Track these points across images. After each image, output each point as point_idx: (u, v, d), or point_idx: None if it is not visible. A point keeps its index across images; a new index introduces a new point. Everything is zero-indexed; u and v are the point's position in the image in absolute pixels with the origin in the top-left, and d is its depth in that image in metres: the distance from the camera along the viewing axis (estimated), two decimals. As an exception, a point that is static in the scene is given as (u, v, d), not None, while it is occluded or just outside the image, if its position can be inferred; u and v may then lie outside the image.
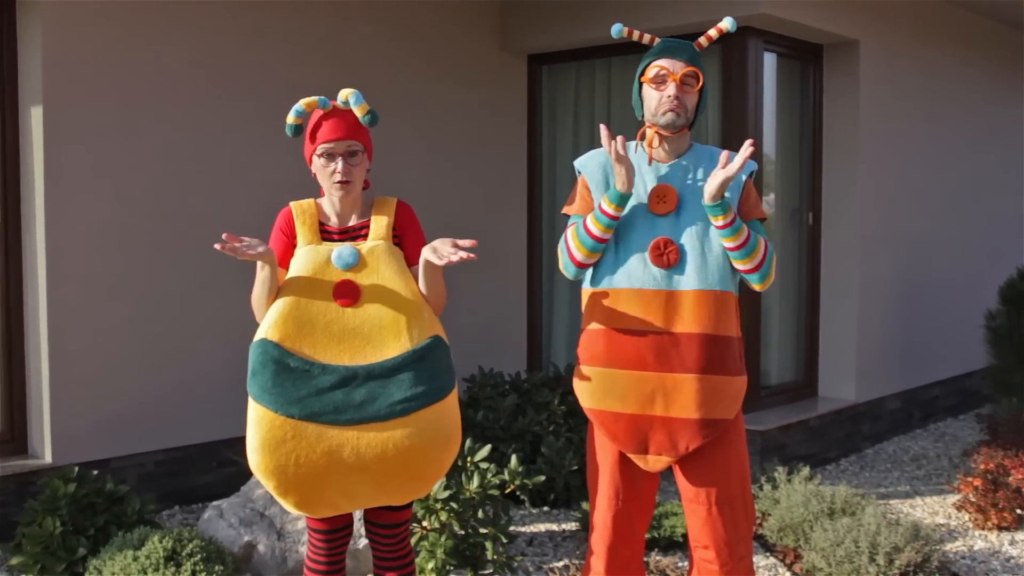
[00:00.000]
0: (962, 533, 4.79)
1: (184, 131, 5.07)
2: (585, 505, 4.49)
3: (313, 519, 2.80)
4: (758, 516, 4.65)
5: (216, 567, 3.66)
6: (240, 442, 4.95)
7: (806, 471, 4.79)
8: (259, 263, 2.66)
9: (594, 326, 2.80)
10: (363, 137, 2.72)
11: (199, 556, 3.66)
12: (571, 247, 2.78)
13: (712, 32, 2.84)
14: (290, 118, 2.70)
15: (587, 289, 2.88)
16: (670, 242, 2.75)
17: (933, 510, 5.18)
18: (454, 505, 3.87)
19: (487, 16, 6.43)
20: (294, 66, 5.47)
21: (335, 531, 2.82)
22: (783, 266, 6.34)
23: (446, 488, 3.86)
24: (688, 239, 2.76)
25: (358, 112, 2.68)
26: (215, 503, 4.23)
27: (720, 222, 2.71)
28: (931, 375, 7.23)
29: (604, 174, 2.85)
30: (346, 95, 2.68)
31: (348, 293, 2.64)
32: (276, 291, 2.67)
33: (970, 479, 4.94)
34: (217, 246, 2.54)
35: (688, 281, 2.74)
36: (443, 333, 2.73)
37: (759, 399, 5.95)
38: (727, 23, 2.84)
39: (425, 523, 3.91)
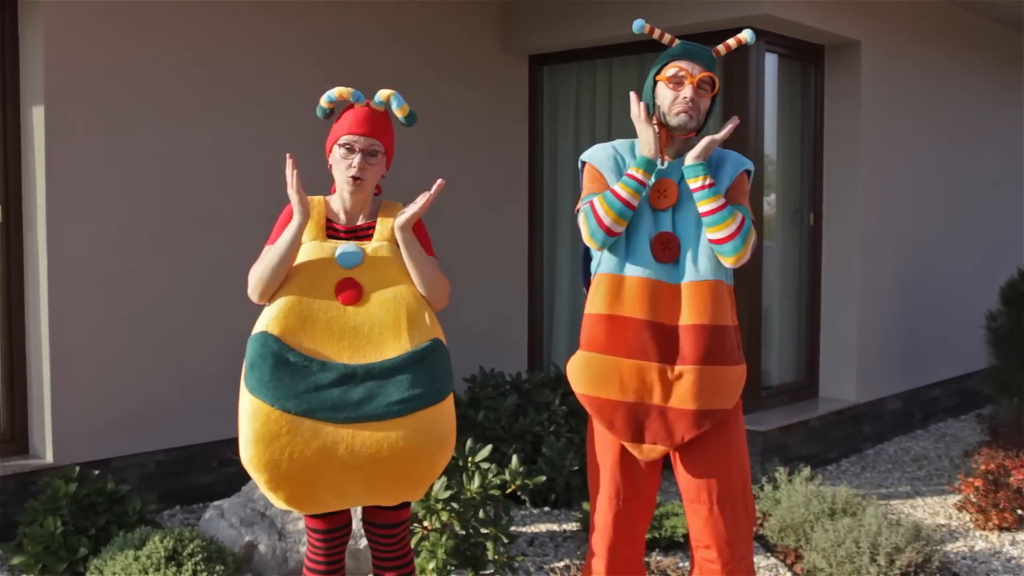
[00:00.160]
0: (963, 533, 4.79)
1: (185, 130, 5.07)
2: (586, 505, 4.49)
3: (312, 519, 2.81)
4: (759, 516, 4.65)
5: (217, 567, 3.66)
6: (241, 442, 4.95)
7: (807, 471, 4.79)
8: (293, 224, 2.65)
9: (596, 311, 2.80)
10: (387, 140, 2.74)
11: (200, 556, 3.66)
12: (599, 212, 2.74)
13: (731, 42, 2.88)
14: (322, 101, 2.73)
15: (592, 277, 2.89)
16: (672, 236, 2.78)
17: (934, 510, 5.18)
18: (455, 505, 3.87)
19: (488, 16, 6.43)
20: (295, 66, 5.47)
21: (334, 531, 2.83)
22: (784, 266, 6.34)
23: (447, 488, 3.86)
24: (685, 233, 2.79)
25: (399, 113, 2.72)
26: (216, 503, 4.23)
27: (697, 183, 2.75)
28: (932, 376, 7.23)
29: (615, 162, 2.87)
30: (386, 95, 2.71)
31: (350, 291, 2.64)
32: (289, 267, 2.65)
33: (971, 479, 4.94)
34: (289, 162, 2.62)
35: (685, 273, 2.77)
36: (443, 337, 2.73)
37: (760, 399, 5.95)
38: (747, 35, 2.87)
39: (426, 523, 3.91)
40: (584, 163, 2.93)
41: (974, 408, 7.73)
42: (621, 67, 6.43)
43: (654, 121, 2.82)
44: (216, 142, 5.19)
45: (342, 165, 2.71)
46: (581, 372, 2.83)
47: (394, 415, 2.57)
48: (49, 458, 4.66)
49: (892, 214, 6.64)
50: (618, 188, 2.75)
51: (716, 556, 2.83)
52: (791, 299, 6.41)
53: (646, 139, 2.80)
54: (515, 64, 6.62)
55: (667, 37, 2.85)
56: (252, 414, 2.55)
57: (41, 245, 4.63)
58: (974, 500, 4.90)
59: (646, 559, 4.24)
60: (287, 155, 2.68)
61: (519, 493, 4.82)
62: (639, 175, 2.76)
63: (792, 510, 4.38)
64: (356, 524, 3.93)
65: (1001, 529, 4.81)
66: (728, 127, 2.83)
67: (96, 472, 4.40)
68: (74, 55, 4.66)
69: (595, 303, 2.81)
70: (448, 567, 3.88)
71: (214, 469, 5.18)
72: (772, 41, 5.89)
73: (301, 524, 4.03)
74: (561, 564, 4.31)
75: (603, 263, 2.82)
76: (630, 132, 3.19)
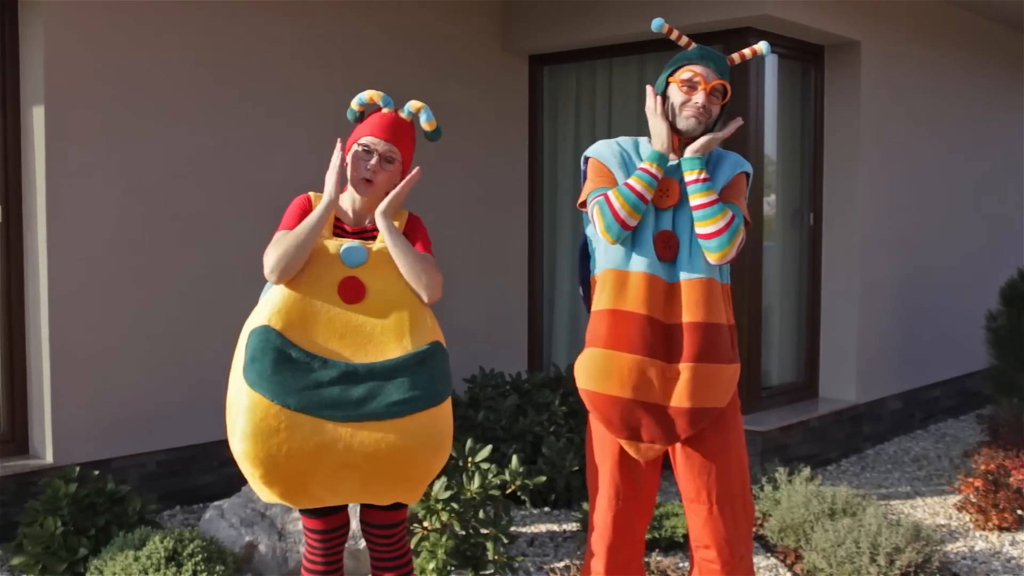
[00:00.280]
0: (963, 534, 4.79)
1: (186, 131, 5.07)
2: (586, 505, 4.49)
3: (309, 519, 2.81)
4: (759, 517, 4.65)
5: (217, 567, 3.66)
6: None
7: (807, 472, 4.79)
8: (322, 204, 2.67)
9: (601, 307, 2.81)
10: (406, 150, 2.75)
11: (200, 556, 3.66)
12: (615, 205, 2.74)
13: (747, 52, 2.90)
14: (353, 103, 2.76)
15: (595, 276, 2.89)
16: (672, 235, 2.79)
17: (934, 511, 5.18)
18: (455, 505, 3.87)
19: (488, 16, 6.43)
20: (295, 66, 5.47)
21: (331, 531, 2.83)
22: (784, 267, 6.34)
23: (447, 488, 3.86)
24: (684, 232, 2.80)
25: (426, 127, 2.75)
26: (216, 503, 4.23)
27: (693, 176, 2.77)
28: (932, 376, 7.23)
29: (621, 157, 2.87)
30: (417, 107, 2.74)
31: (353, 290, 2.64)
32: (312, 247, 2.65)
33: (971, 480, 4.94)
34: (339, 146, 2.68)
35: (680, 271, 2.79)
36: (443, 340, 2.73)
37: (760, 400, 5.95)
38: (763, 47, 2.89)
39: (426, 523, 3.91)
40: (587, 158, 2.93)
41: (974, 408, 7.73)
42: (621, 67, 6.43)
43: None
44: (216, 142, 5.19)
45: (358, 165, 2.71)
46: (585, 368, 2.84)
47: (393, 415, 2.57)
48: (49, 458, 4.66)
49: (892, 214, 6.64)
50: (632, 181, 2.76)
51: (715, 556, 2.83)
52: (791, 299, 6.41)
53: (659, 133, 2.81)
54: (515, 64, 6.62)
55: (684, 39, 2.85)
56: (251, 408, 2.53)
57: (41, 245, 4.63)
58: (974, 500, 4.90)
59: (646, 559, 4.24)
60: (338, 140, 2.73)
61: (519, 493, 4.82)
62: (652, 169, 2.77)
63: (792, 510, 4.38)
64: (356, 524, 3.93)
65: (1001, 529, 4.81)
66: (732, 126, 2.85)
67: (96, 472, 4.40)
68: (74, 55, 4.66)
69: (601, 299, 2.81)
70: (448, 567, 3.88)
71: (214, 469, 5.18)
72: (772, 41, 5.88)
73: (301, 524, 4.03)
74: (561, 564, 4.31)
75: (608, 259, 2.82)
76: (630, 132, 3.19)
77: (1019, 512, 4.87)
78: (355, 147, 2.73)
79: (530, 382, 5.66)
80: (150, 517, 4.30)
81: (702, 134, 2.82)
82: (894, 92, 6.60)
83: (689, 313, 2.76)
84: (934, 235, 7.17)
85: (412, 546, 3.87)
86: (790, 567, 4.29)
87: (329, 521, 2.81)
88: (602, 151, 2.90)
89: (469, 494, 3.93)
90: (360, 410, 2.55)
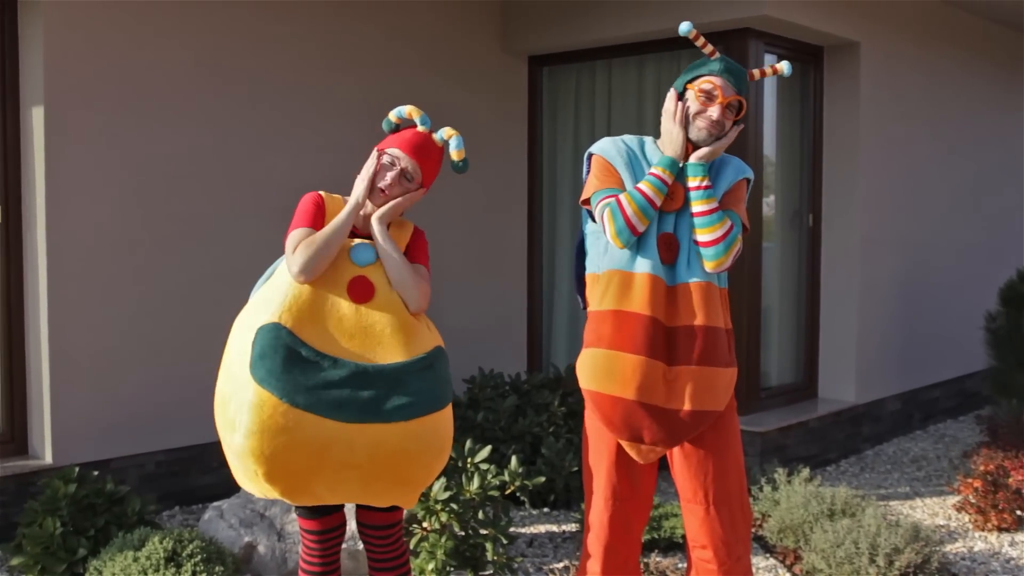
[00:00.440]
0: (962, 534, 4.79)
1: (185, 131, 5.07)
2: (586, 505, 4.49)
3: (306, 520, 2.81)
4: (758, 517, 4.65)
5: (216, 568, 3.66)
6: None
7: (806, 472, 4.79)
8: (350, 205, 2.68)
9: (605, 307, 2.80)
10: (428, 171, 2.78)
11: (199, 557, 3.66)
12: (627, 211, 2.73)
13: (768, 69, 2.92)
14: (392, 115, 2.79)
15: (594, 274, 2.88)
16: (673, 238, 2.79)
17: (933, 511, 5.18)
18: (454, 506, 3.87)
19: (488, 17, 6.43)
20: (294, 66, 5.47)
21: (328, 531, 2.83)
22: (783, 267, 6.34)
23: (446, 489, 3.86)
24: (684, 235, 2.81)
25: (454, 156, 2.77)
26: (215, 504, 4.23)
27: (695, 183, 2.78)
28: (931, 376, 7.23)
29: (627, 157, 2.87)
30: (450, 135, 2.77)
31: (363, 290, 2.64)
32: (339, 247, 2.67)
33: (970, 480, 4.95)
34: (375, 155, 2.71)
35: (682, 274, 2.79)
36: (443, 344, 2.75)
37: (759, 400, 5.95)
38: (784, 67, 2.91)
39: (425, 524, 3.91)
40: (591, 155, 2.93)
41: (973, 409, 7.73)
42: (621, 68, 6.43)
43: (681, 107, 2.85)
44: (216, 142, 5.19)
45: (378, 174, 2.73)
46: (588, 367, 2.84)
47: (400, 418, 2.57)
48: (48, 459, 4.66)
49: (891, 215, 6.64)
50: (643, 186, 2.76)
51: (712, 556, 2.83)
52: (790, 300, 6.41)
53: (673, 139, 2.82)
54: (515, 65, 6.62)
55: (708, 47, 2.85)
56: (258, 405, 2.51)
57: (41, 245, 4.63)
58: (973, 501, 4.90)
59: (646, 560, 4.24)
60: (375, 149, 2.75)
61: (518, 494, 4.81)
62: (664, 175, 2.77)
63: (791, 511, 4.38)
64: (354, 525, 3.93)
65: (1000, 530, 4.81)
66: (732, 133, 2.85)
67: (95, 473, 4.40)
68: (74, 55, 4.66)
69: (605, 299, 2.80)
70: (447, 568, 3.88)
71: (213, 470, 5.18)
72: (772, 42, 5.89)
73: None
74: (560, 565, 4.31)
75: (611, 260, 2.82)
76: (629, 133, 3.19)
77: (1018, 513, 4.87)
78: (382, 155, 2.74)
79: (529, 383, 5.66)
80: (149, 518, 4.30)
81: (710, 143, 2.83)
82: (893, 93, 6.60)
83: (689, 316, 2.77)
84: (933, 235, 7.18)
85: (411, 547, 3.88)
86: (789, 568, 4.29)
87: (325, 522, 2.82)
88: (608, 149, 2.89)
89: (468, 495, 3.93)
90: (367, 411, 2.55)
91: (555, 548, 4.56)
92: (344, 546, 3.87)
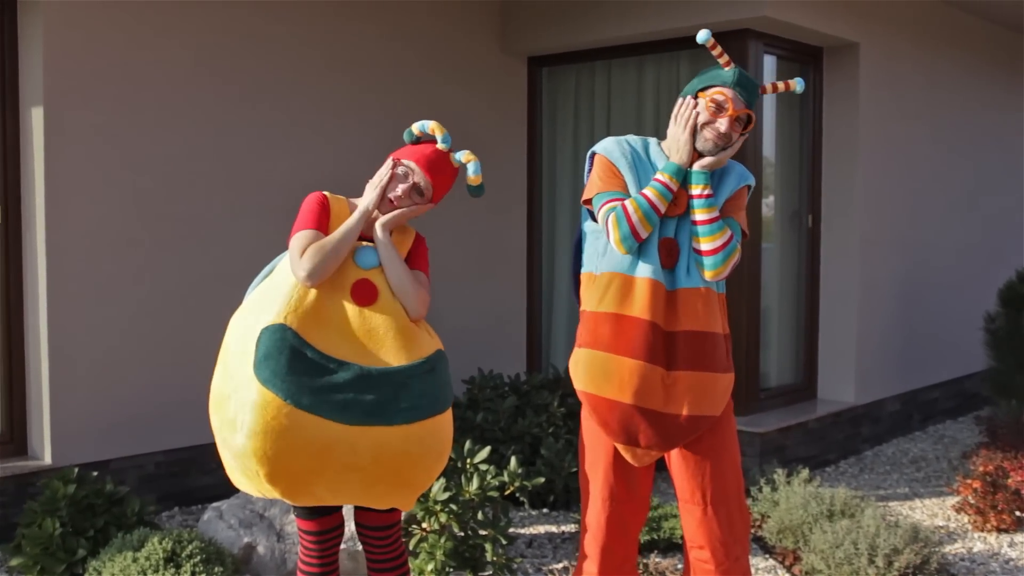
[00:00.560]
0: (961, 535, 4.79)
1: (185, 131, 5.07)
2: (584, 507, 4.50)
3: (304, 521, 2.81)
4: (757, 518, 4.65)
5: (216, 568, 3.66)
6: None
7: (805, 473, 4.79)
8: (359, 212, 2.69)
9: (605, 309, 2.80)
10: (439, 188, 2.79)
11: (199, 557, 3.66)
12: (633, 218, 2.73)
13: (780, 84, 2.92)
14: (415, 128, 2.80)
15: (591, 273, 2.88)
16: (674, 243, 2.79)
17: (932, 512, 5.18)
18: (453, 507, 3.87)
19: (487, 18, 6.43)
20: (295, 67, 5.47)
21: (326, 532, 2.83)
22: (783, 268, 6.35)
23: (446, 490, 3.86)
24: (685, 240, 2.81)
25: (471, 181, 2.80)
26: (215, 504, 4.23)
27: (698, 191, 2.78)
28: (930, 377, 7.23)
29: (631, 159, 2.86)
30: (469, 158, 2.79)
31: (366, 292, 2.65)
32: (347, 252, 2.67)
33: (969, 481, 4.95)
34: (390, 163, 2.71)
35: (682, 279, 2.80)
36: (443, 348, 2.76)
37: (758, 401, 5.95)
38: (797, 84, 2.92)
39: (425, 525, 3.91)
40: (594, 154, 2.92)
41: (972, 410, 7.73)
42: (620, 69, 6.43)
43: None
44: (216, 142, 5.19)
45: (390, 183, 2.74)
46: (583, 369, 2.83)
47: (402, 421, 2.57)
48: (48, 459, 4.66)
49: (891, 216, 6.64)
50: (648, 192, 2.76)
51: (710, 556, 2.84)
52: (790, 301, 6.41)
53: (680, 146, 2.80)
54: (514, 66, 6.62)
55: (724, 58, 2.84)
56: (262, 406, 2.51)
57: (40, 246, 4.63)
58: (972, 502, 4.90)
59: (645, 561, 4.24)
60: (389, 156, 2.76)
61: (518, 495, 4.81)
62: (670, 182, 2.77)
63: (790, 512, 4.39)
64: (353, 526, 3.93)
65: (999, 531, 4.81)
66: (736, 144, 2.85)
67: (95, 473, 4.40)
68: (73, 55, 4.66)
69: (604, 301, 2.80)
70: (447, 568, 3.88)
71: (213, 470, 5.18)
72: (771, 43, 5.89)
73: (300, 525, 4.03)
74: (560, 566, 4.31)
75: (612, 262, 2.81)
76: (629, 133, 3.18)
77: (1017, 514, 4.87)
78: (397, 165, 2.74)
79: (529, 383, 5.66)
80: (149, 518, 4.30)
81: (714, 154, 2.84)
82: (893, 94, 6.61)
83: (688, 321, 2.77)
84: (933, 236, 7.18)
85: (411, 547, 3.88)
86: (788, 568, 4.30)
87: (324, 523, 2.82)
88: (612, 150, 2.88)
89: (468, 495, 3.93)
90: (371, 414, 2.55)
91: (554, 549, 4.56)
92: (343, 547, 3.87)
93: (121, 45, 4.83)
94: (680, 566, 4.24)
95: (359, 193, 2.82)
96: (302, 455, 2.53)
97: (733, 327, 4.60)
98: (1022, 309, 6.24)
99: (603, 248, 2.84)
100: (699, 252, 2.77)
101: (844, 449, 6.30)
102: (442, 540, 3.87)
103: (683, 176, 2.79)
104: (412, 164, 2.74)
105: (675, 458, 2.88)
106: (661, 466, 3.02)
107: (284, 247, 2.85)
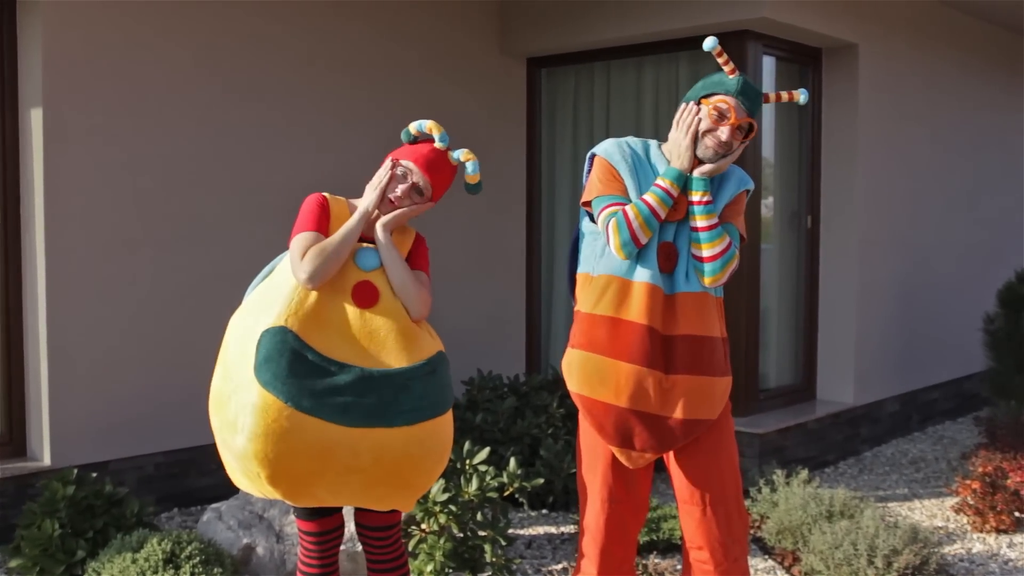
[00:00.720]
0: (960, 536, 4.79)
1: (184, 132, 5.07)
2: (584, 508, 4.50)
3: (304, 522, 2.81)
4: (756, 519, 4.66)
5: (215, 569, 3.66)
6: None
7: (804, 474, 4.79)
8: (359, 213, 2.68)
9: (601, 311, 2.80)
10: (438, 188, 2.79)
11: (198, 558, 3.66)
12: (634, 225, 2.73)
13: (784, 94, 2.91)
14: (412, 128, 2.80)
15: (587, 274, 2.88)
16: (673, 247, 2.80)
17: (931, 513, 5.18)
18: (453, 507, 3.87)
19: (486, 19, 6.43)
20: (294, 68, 5.47)
21: (326, 533, 2.83)
22: (782, 269, 6.35)
23: (445, 491, 3.86)
24: (684, 245, 2.82)
25: (468, 179, 2.79)
26: (214, 505, 4.23)
27: (697, 197, 2.79)
28: (930, 378, 7.23)
29: (631, 162, 2.86)
30: (468, 156, 2.79)
31: (367, 294, 2.64)
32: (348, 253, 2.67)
33: (968, 482, 4.95)
34: (389, 164, 2.71)
35: (680, 284, 2.80)
36: (444, 349, 2.76)
37: (757, 402, 5.95)
38: (802, 96, 2.90)
39: (424, 526, 3.91)
40: (594, 156, 2.92)
41: (972, 410, 7.73)
42: (619, 70, 6.43)
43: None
44: (215, 143, 5.19)
45: (389, 184, 2.73)
46: (579, 371, 2.84)
47: (403, 423, 2.57)
48: (47, 460, 4.65)
49: (890, 217, 6.64)
50: (648, 198, 2.76)
51: (709, 557, 2.84)
52: (789, 301, 6.41)
53: (681, 152, 2.80)
54: (513, 67, 6.62)
55: (730, 65, 2.83)
56: (263, 408, 2.51)
57: (39, 247, 4.63)
58: (971, 502, 4.90)
59: (644, 561, 4.24)
60: (388, 157, 2.76)
61: (517, 495, 4.82)
62: (671, 188, 2.77)
63: (790, 512, 4.39)
64: (353, 527, 3.93)
65: (998, 531, 4.81)
66: (737, 152, 2.85)
67: (94, 475, 4.40)
68: (73, 56, 4.66)
69: (601, 304, 2.80)
70: (446, 569, 3.88)
71: (212, 472, 5.18)
72: (770, 44, 5.90)
73: (299, 526, 4.03)
74: (559, 567, 4.31)
75: (610, 265, 2.81)
76: (627, 135, 3.19)
77: (1016, 514, 4.87)
78: (396, 165, 2.74)
79: (528, 384, 5.67)
80: (148, 519, 4.30)
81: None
82: (892, 95, 6.61)
83: (686, 326, 2.77)
84: (932, 237, 7.18)
85: (410, 548, 3.88)
86: (788, 569, 4.30)
87: (324, 523, 2.82)
88: (612, 153, 2.87)
89: (467, 496, 3.93)
90: (372, 416, 2.55)
91: (554, 550, 4.56)
92: (343, 548, 3.87)
93: (120, 46, 4.83)
94: (679, 567, 4.24)
95: (359, 194, 2.82)
96: (303, 457, 2.53)
97: (732, 328, 4.59)
98: (1021, 310, 6.25)
99: (601, 250, 2.84)
100: (698, 259, 2.78)
101: (843, 450, 6.30)
102: (441, 541, 3.87)
103: (683, 182, 2.79)
104: (410, 164, 2.74)
105: (674, 459, 2.88)
106: (660, 467, 3.02)
107: (284, 247, 2.85)
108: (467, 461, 4.04)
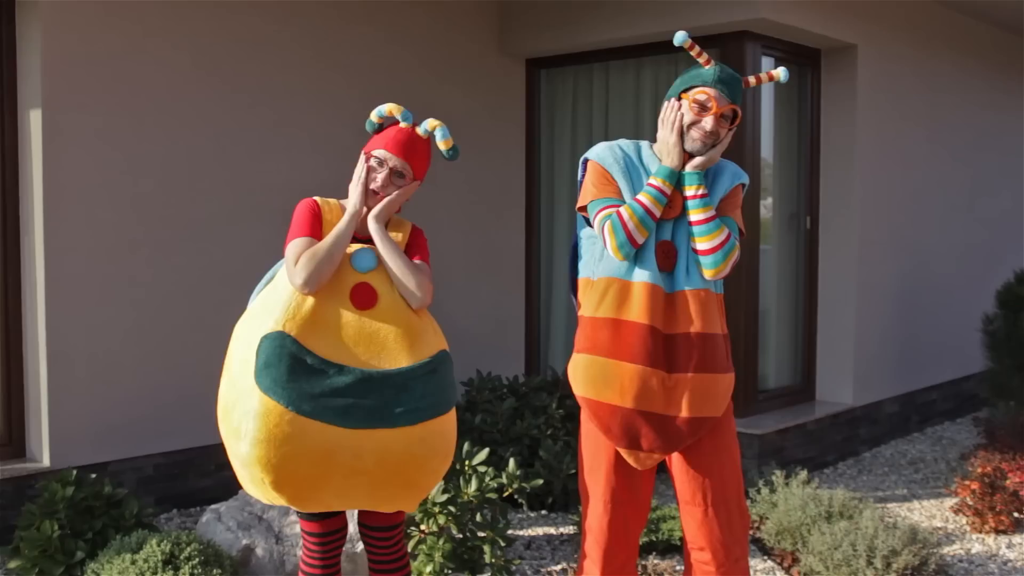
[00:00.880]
0: (959, 536, 4.79)
1: (183, 134, 5.07)
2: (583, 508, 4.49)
3: (308, 522, 2.81)
4: (756, 519, 4.66)
5: (214, 571, 3.66)
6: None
7: (804, 474, 4.79)
8: (348, 213, 2.67)
9: (603, 314, 2.80)
10: (418, 166, 2.76)
11: (197, 559, 3.66)
12: (629, 225, 2.74)
13: (763, 76, 2.91)
14: (373, 116, 2.80)
15: (588, 279, 2.88)
16: (671, 245, 2.80)
17: (930, 513, 5.18)
18: (452, 508, 3.87)
19: (486, 20, 6.44)
20: (293, 69, 5.47)
21: (330, 534, 2.83)
22: (781, 270, 6.35)
23: (444, 492, 3.86)
24: (682, 243, 2.82)
25: (442, 146, 2.75)
26: (213, 506, 4.23)
27: (692, 191, 2.79)
28: (929, 379, 7.24)
29: (624, 164, 2.86)
30: (433, 126, 2.74)
31: (365, 296, 2.64)
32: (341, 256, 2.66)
33: (967, 482, 4.95)
34: (363, 159, 2.70)
35: (681, 282, 2.80)
36: (448, 348, 2.75)
37: (757, 402, 5.95)
38: (781, 73, 2.89)
39: (423, 527, 3.91)
40: (587, 160, 2.92)
41: (971, 411, 7.74)
42: (618, 71, 6.44)
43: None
44: (214, 145, 5.19)
45: (369, 177, 2.72)
46: (583, 375, 2.84)
47: (406, 423, 2.57)
48: (46, 462, 4.65)
49: (889, 217, 6.65)
50: (642, 198, 2.76)
51: (711, 558, 2.84)
52: (788, 302, 6.42)
53: (669, 149, 2.81)
54: (512, 67, 6.63)
55: (704, 56, 2.84)
56: (264, 414, 2.52)
57: (38, 248, 4.63)
58: (970, 503, 4.90)
59: (643, 562, 4.24)
60: (362, 153, 2.75)
61: (516, 496, 4.82)
62: (663, 186, 2.77)
63: (789, 513, 4.39)
64: (352, 527, 3.93)
65: (997, 532, 4.82)
66: (725, 140, 2.85)
67: (93, 476, 4.40)
68: (72, 58, 4.66)
69: (602, 307, 2.81)
70: (445, 570, 3.88)
71: (211, 473, 5.18)
72: (769, 45, 5.90)
73: (298, 527, 4.03)
74: (558, 567, 4.31)
75: (608, 267, 2.82)
76: (627, 136, 3.20)
77: (1015, 515, 4.87)
78: (370, 158, 2.73)
79: (527, 385, 5.67)
80: (147, 520, 4.30)
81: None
82: (891, 95, 6.61)
83: (688, 323, 2.78)
84: (931, 238, 7.19)
85: (409, 549, 3.88)
86: (787, 570, 4.30)
87: (328, 524, 2.82)
88: (604, 156, 2.88)
89: (466, 497, 3.93)
90: (373, 417, 2.55)
91: (553, 550, 4.56)
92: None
93: (119, 47, 4.83)
94: (678, 568, 4.24)
95: None
96: (306, 461, 2.53)
97: (731, 329, 4.60)
98: (1020, 311, 6.25)
99: (599, 253, 2.85)
100: (698, 252, 2.78)
101: (842, 450, 6.30)
102: (440, 542, 3.87)
103: (676, 179, 2.79)
104: (382, 152, 2.72)
105: (676, 460, 2.88)
106: (661, 468, 3.02)
107: (283, 249, 2.85)
108: (466, 462, 4.04)
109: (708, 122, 2.78)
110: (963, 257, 7.61)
